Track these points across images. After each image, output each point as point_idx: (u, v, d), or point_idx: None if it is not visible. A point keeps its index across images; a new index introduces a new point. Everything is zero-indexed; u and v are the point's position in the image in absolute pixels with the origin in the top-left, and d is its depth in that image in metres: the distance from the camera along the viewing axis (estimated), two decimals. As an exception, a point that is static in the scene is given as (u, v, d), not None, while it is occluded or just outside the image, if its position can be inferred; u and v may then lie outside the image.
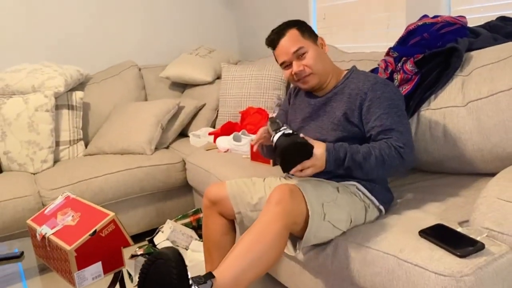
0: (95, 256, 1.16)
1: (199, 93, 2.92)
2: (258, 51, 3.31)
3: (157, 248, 2.09)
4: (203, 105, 2.83)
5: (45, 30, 2.84)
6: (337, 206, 1.32)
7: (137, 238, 2.31)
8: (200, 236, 2.23)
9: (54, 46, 2.88)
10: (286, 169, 1.29)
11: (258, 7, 3.26)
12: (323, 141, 1.38)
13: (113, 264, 1.21)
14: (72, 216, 1.25)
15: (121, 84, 2.89)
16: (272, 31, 1.50)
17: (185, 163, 2.43)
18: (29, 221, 1.33)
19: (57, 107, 2.51)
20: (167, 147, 2.68)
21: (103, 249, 1.18)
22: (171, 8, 3.25)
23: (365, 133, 1.40)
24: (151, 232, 2.27)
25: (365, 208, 1.39)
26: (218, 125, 2.71)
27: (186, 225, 2.26)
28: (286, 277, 1.65)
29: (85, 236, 1.14)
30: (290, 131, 1.30)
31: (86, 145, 2.65)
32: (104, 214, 1.21)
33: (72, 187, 2.13)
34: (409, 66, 1.67)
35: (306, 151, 1.27)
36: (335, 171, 1.35)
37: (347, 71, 1.52)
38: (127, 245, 1.23)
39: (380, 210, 1.43)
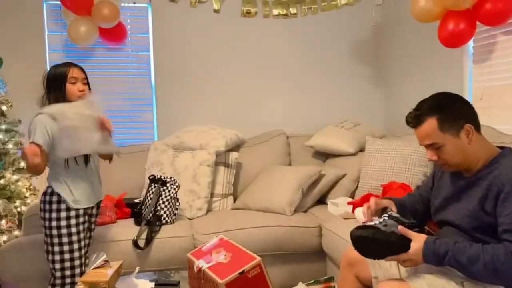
0: (240, 294, 1.29)
1: (341, 163, 3.02)
2: (404, 128, 3.29)
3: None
4: (344, 175, 2.90)
5: (214, 98, 3.38)
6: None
7: (268, 294, 2.40)
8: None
9: (219, 112, 3.39)
10: (366, 256, 1.32)
11: (407, 85, 3.31)
12: (458, 226, 1.34)
13: (254, 306, 1.32)
14: (225, 255, 1.43)
15: (270, 149, 3.19)
16: (412, 111, 1.40)
17: (321, 229, 2.49)
18: (189, 255, 1.55)
19: (216, 163, 2.90)
20: (305, 211, 2.79)
21: (247, 289, 1.30)
22: (321, 82, 3.54)
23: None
24: (283, 292, 2.34)
25: None
26: (358, 196, 2.73)
27: (316, 291, 2.27)
28: None
29: (235, 274, 1.29)
30: (382, 226, 1.29)
31: (234, 200, 2.95)
32: (252, 257, 1.36)
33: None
34: None
35: (389, 247, 1.26)
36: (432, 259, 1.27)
37: (498, 153, 1.39)
38: (268, 290, 1.33)
39: None
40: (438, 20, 2.39)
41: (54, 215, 1.89)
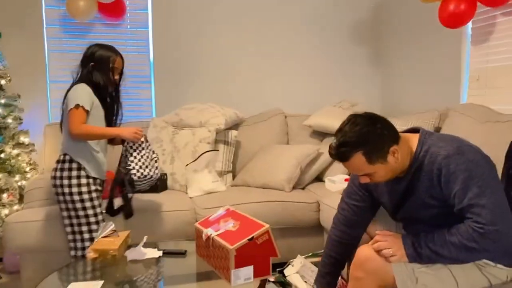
0: (249, 259, 1.35)
1: (338, 142, 3.07)
2: (400, 108, 3.37)
3: (287, 279, 2.21)
4: (341, 154, 2.96)
5: (213, 77, 3.39)
6: (434, 271, 1.30)
7: (267, 267, 2.47)
8: (327, 277, 2.28)
9: (218, 91, 3.40)
10: None
11: (405, 67, 3.35)
12: (415, 219, 1.40)
13: (261, 271, 1.38)
14: (233, 224, 1.47)
15: (268, 128, 3.22)
16: (335, 148, 1.34)
17: (319, 204, 2.56)
18: (196, 224, 1.60)
19: (216, 141, 2.93)
20: (303, 188, 2.85)
21: (256, 255, 1.36)
22: (320, 62, 3.57)
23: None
24: (281, 264, 2.41)
25: (480, 269, 1.32)
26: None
27: (315, 264, 2.34)
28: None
29: (244, 240, 1.34)
30: None
31: (233, 177, 2.99)
32: (260, 225, 1.40)
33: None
34: None
35: None
36: (420, 262, 1.31)
37: (418, 141, 1.37)
38: (275, 256, 1.39)
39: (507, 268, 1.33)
40: (439, 1, 2.42)
41: (74, 181, 1.96)
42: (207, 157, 2.79)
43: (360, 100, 3.45)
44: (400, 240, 1.33)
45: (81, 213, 1.95)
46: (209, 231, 1.47)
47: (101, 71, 2.05)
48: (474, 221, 1.22)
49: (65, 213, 2.00)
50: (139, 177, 2.07)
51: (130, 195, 2.13)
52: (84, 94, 1.98)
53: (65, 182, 1.97)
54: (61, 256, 2.20)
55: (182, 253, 1.68)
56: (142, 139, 2.07)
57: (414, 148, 1.37)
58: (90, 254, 1.52)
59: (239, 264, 1.33)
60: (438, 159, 1.29)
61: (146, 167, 2.08)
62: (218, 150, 2.90)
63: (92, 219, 1.97)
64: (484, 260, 1.31)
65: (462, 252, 1.24)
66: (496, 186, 1.26)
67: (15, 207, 2.59)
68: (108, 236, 1.65)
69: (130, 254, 1.63)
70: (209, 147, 2.83)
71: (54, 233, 2.18)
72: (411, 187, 1.40)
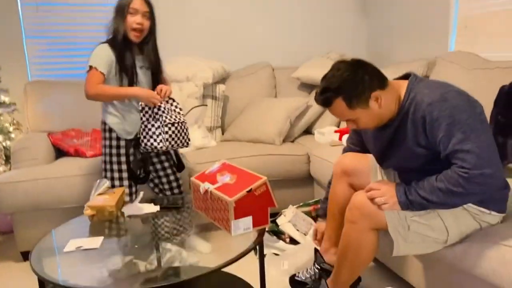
0: (248, 210, 1.37)
1: (326, 94, 3.06)
2: (388, 58, 3.35)
3: (280, 228, 2.28)
4: (330, 106, 2.96)
5: (197, 28, 3.27)
6: (426, 220, 1.36)
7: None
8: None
9: (202, 43, 3.30)
10: None
11: (392, 16, 3.30)
12: (404, 168, 1.45)
13: (260, 221, 1.41)
14: (230, 177, 1.48)
15: (256, 81, 3.18)
16: (318, 94, 1.39)
17: (309, 156, 2.60)
18: (193, 178, 1.60)
19: (203, 96, 2.88)
20: (293, 141, 2.88)
21: (254, 206, 1.38)
22: (305, 13, 3.48)
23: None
24: (274, 215, 2.47)
25: (473, 217, 1.38)
26: (343, 125, 2.81)
27: (306, 213, 2.41)
28: (413, 276, 1.69)
29: (243, 192, 1.36)
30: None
31: (222, 132, 2.98)
32: (258, 177, 1.42)
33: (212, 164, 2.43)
34: None
35: None
36: (412, 209, 1.36)
37: (407, 88, 1.39)
38: (273, 206, 1.42)
39: (499, 214, 1.39)
40: None
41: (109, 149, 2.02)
42: (195, 113, 2.76)
43: (347, 51, 3.41)
44: (393, 188, 1.37)
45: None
46: (206, 185, 1.48)
47: (119, 16, 1.88)
48: (459, 167, 1.24)
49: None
50: (144, 147, 1.96)
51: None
52: (99, 55, 1.88)
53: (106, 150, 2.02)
54: (53, 214, 2.20)
55: (179, 207, 1.70)
56: (162, 105, 1.92)
57: (402, 92, 1.38)
58: (87, 211, 1.52)
59: (239, 215, 1.36)
60: (422, 107, 1.30)
61: (157, 137, 1.93)
62: (206, 105, 2.87)
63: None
64: (478, 208, 1.36)
65: (450, 197, 1.28)
66: (483, 129, 1.26)
67: (1, 168, 2.55)
68: (103, 194, 1.65)
69: (128, 210, 1.64)
70: (197, 102, 2.79)
71: (44, 193, 2.16)
72: (397, 134, 1.42)
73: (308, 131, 3.03)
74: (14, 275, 2.10)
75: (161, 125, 1.93)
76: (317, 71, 3.10)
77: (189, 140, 2.04)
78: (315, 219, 2.41)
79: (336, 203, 1.73)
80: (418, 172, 1.40)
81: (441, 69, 2.48)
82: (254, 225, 1.40)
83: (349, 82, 1.33)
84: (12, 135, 2.66)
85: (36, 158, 2.39)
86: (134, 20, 1.87)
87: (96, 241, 1.39)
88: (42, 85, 2.81)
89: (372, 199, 1.37)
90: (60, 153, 2.61)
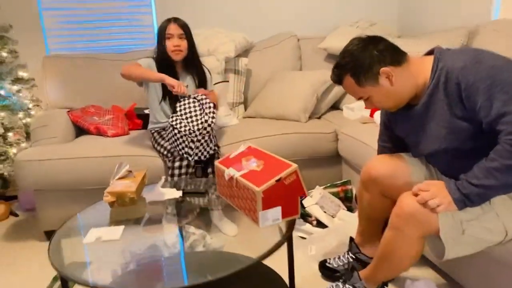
0: (277, 200, 1.27)
1: (355, 67, 2.88)
2: (421, 26, 3.11)
3: (307, 210, 2.18)
4: (359, 79, 2.79)
5: (219, -1, 3.11)
6: (481, 222, 1.22)
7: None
8: (347, 207, 2.26)
9: (224, 13, 3.13)
10: None
11: (429, -21, 3.03)
12: (444, 150, 1.28)
13: (289, 211, 1.31)
14: (257, 163, 1.38)
15: (280, 53, 3.01)
16: (333, 69, 1.37)
17: (337, 134, 2.46)
18: (217, 163, 1.50)
19: (225, 70, 2.75)
20: (319, 117, 2.73)
21: (284, 195, 1.28)
22: (334, -20, 3.24)
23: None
24: (299, 196, 2.37)
25: None
26: (374, 101, 2.64)
27: (333, 194, 2.30)
28: (448, 266, 1.57)
29: (272, 181, 1.25)
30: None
31: (245, 108, 2.86)
32: (288, 164, 1.31)
33: (237, 145, 2.33)
34: None
35: None
36: (471, 205, 1.21)
37: (432, 61, 1.28)
38: (303, 195, 1.31)
39: None
40: None
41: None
42: (217, 90, 2.64)
43: (377, 18, 3.18)
44: (444, 187, 1.22)
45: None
46: (231, 171, 1.38)
47: (160, 42, 2.18)
48: (508, 133, 1.10)
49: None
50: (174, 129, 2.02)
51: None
52: (142, 60, 2.20)
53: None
54: (76, 194, 2.16)
55: (202, 193, 1.62)
56: (186, 91, 2.02)
57: (428, 68, 1.28)
58: (107, 198, 1.45)
59: (267, 206, 1.26)
60: (455, 72, 1.18)
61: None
62: (228, 81, 2.74)
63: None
64: None
65: (510, 174, 1.12)
66: None
67: (23, 145, 2.51)
68: (124, 177, 1.57)
69: (149, 195, 1.57)
70: (219, 77, 2.66)
71: (66, 173, 2.11)
72: (429, 110, 1.29)
73: (335, 106, 2.87)
74: (37, 255, 2.09)
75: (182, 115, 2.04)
76: (345, 42, 2.90)
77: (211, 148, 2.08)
78: (342, 200, 2.30)
79: (363, 211, 1.64)
80: (459, 156, 1.27)
81: (485, 39, 2.27)
82: (283, 216, 1.30)
83: (357, 57, 1.29)
84: (32, 112, 2.61)
85: (55, 136, 2.33)
86: (172, 43, 2.15)
87: (117, 232, 1.32)
88: (60, 59, 2.73)
89: (423, 203, 1.23)
90: (80, 130, 2.56)
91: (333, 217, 2.19)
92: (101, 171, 2.13)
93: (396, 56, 1.29)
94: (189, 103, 2.02)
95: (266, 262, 1.63)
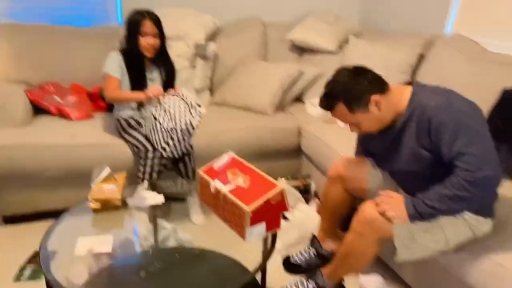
0: (262, 217, 1.38)
1: (319, 60, 2.99)
2: (380, 27, 3.27)
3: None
4: (322, 74, 2.91)
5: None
6: (429, 233, 1.43)
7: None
8: (305, 199, 2.44)
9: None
10: None
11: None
12: (405, 171, 1.49)
13: (272, 225, 1.43)
14: (243, 179, 1.47)
15: (246, 39, 3.02)
16: (322, 97, 1.48)
17: (300, 130, 2.59)
18: (201, 172, 1.57)
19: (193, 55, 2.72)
20: (283, 110, 2.84)
21: (269, 213, 1.39)
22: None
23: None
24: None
25: (469, 227, 1.45)
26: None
27: (295, 187, 2.47)
28: (406, 273, 1.80)
29: (260, 201, 1.35)
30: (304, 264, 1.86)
31: (211, 93, 2.88)
32: (273, 184, 1.41)
33: (210, 144, 2.36)
34: None
35: None
36: (422, 220, 1.42)
37: (410, 94, 1.44)
38: (286, 210, 1.44)
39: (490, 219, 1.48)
40: None
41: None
42: (183, 76, 2.62)
43: (337, 8, 3.28)
44: (402, 202, 1.44)
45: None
46: (218, 184, 1.46)
47: (132, 36, 2.08)
48: (464, 169, 1.30)
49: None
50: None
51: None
52: (111, 62, 2.09)
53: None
54: (38, 179, 2.10)
55: (183, 199, 1.68)
56: (161, 99, 2.01)
57: (406, 98, 1.44)
58: (93, 205, 1.47)
59: (253, 222, 1.37)
60: (428, 110, 1.35)
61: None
62: (194, 67, 2.72)
63: None
64: (476, 217, 1.44)
65: (457, 202, 1.35)
66: (485, 133, 1.33)
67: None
68: (106, 181, 1.58)
69: (132, 201, 1.60)
70: (187, 63, 2.64)
71: (30, 160, 2.03)
72: (401, 136, 1.47)
73: (299, 98, 2.98)
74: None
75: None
76: (313, 35, 2.99)
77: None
78: (302, 193, 2.47)
79: (327, 205, 1.84)
80: (418, 177, 1.47)
81: (439, 52, 2.46)
82: (267, 230, 1.42)
83: (349, 87, 1.41)
84: None
85: (15, 118, 2.21)
86: (147, 42, 2.09)
87: (107, 242, 1.36)
88: (12, 29, 2.52)
89: (382, 213, 1.43)
90: (36, 108, 2.41)
91: (292, 209, 2.36)
92: (67, 160, 2.09)
93: (381, 85, 1.44)
94: (174, 100, 1.99)
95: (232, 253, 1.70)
